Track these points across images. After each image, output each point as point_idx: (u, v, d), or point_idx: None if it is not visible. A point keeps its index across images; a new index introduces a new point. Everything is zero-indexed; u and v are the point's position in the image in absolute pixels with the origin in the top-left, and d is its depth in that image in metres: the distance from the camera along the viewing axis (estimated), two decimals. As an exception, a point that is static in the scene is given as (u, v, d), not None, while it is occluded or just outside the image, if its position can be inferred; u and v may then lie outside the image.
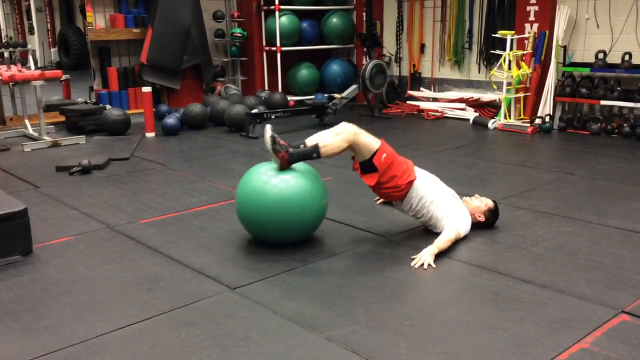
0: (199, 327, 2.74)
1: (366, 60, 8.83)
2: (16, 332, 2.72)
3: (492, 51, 8.09)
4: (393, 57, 9.58)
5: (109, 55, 8.56)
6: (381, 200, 4.42)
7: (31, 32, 16.81)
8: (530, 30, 7.69)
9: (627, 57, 6.91)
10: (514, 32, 7.64)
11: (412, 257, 3.46)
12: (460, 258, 3.50)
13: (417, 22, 9.21)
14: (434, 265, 3.36)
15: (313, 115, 8.02)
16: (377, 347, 2.54)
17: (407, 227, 3.96)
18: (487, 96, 8.37)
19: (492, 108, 8.32)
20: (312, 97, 9.47)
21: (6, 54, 8.21)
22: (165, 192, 4.95)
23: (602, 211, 4.30)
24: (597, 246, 3.65)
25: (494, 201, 3.98)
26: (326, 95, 9.00)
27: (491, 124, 7.63)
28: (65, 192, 4.98)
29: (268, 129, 3.51)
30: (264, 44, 9.62)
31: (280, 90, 9.33)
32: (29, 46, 8.87)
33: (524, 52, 7.66)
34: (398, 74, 9.59)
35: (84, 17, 8.66)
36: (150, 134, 7.36)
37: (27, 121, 7.26)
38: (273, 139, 3.48)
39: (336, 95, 8.19)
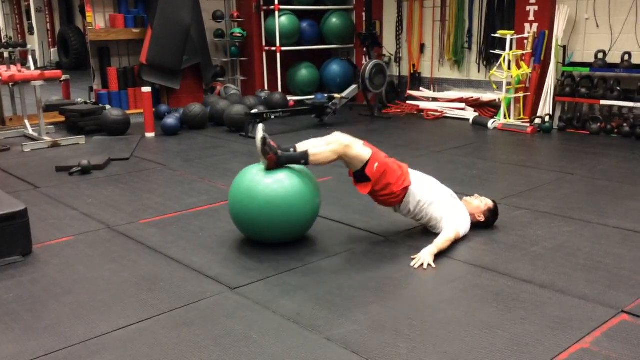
0: (199, 327, 2.74)
1: (366, 60, 8.83)
2: (16, 333, 2.72)
3: (491, 51, 8.09)
4: (393, 57, 9.58)
5: (109, 56, 8.56)
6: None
7: (31, 32, 16.80)
8: (530, 30, 7.69)
9: (626, 57, 6.91)
10: (513, 32, 7.64)
11: (412, 257, 3.46)
12: (460, 258, 3.50)
13: (416, 22, 9.21)
14: (433, 265, 3.36)
15: (313, 115, 8.01)
16: (377, 347, 2.54)
17: (407, 227, 3.96)
18: (486, 96, 8.37)
19: (491, 108, 8.32)
20: (312, 97, 9.48)
21: (6, 54, 8.21)
22: (165, 192, 4.95)
23: (602, 211, 4.30)
24: (597, 246, 3.65)
25: (493, 201, 3.98)
26: (326, 95, 9.00)
27: (491, 123, 7.64)
28: (65, 192, 4.98)
29: (260, 130, 3.51)
30: (264, 44, 9.62)
31: (280, 90, 9.33)
32: (29, 46, 8.87)
33: (524, 52, 7.66)
34: (398, 74, 9.59)
35: (84, 17, 8.66)
36: (150, 134, 7.36)
37: (26, 121, 7.26)
38: (264, 140, 3.49)
39: (336, 95, 8.19)
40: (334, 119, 8.12)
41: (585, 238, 3.79)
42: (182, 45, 8.37)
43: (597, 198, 4.63)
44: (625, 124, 6.95)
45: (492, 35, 7.94)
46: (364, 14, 9.37)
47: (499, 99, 7.83)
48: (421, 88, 9.24)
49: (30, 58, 8.46)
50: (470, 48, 8.71)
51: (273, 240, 3.67)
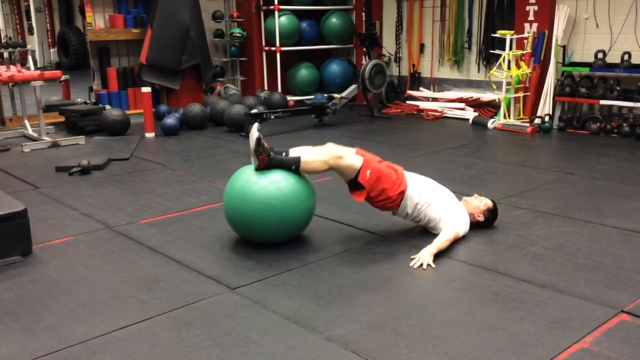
0: (199, 327, 2.74)
1: (365, 60, 8.83)
2: (16, 333, 2.72)
3: (491, 51, 8.09)
4: (392, 57, 9.58)
5: (109, 56, 8.56)
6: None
7: (30, 32, 16.80)
8: (530, 30, 7.69)
9: (626, 57, 6.91)
10: (513, 31, 7.64)
11: (412, 257, 3.46)
12: (459, 258, 3.50)
13: (416, 22, 9.21)
14: (433, 265, 3.36)
15: (312, 115, 8.02)
16: (377, 347, 2.54)
17: (407, 227, 3.96)
18: (486, 96, 8.38)
19: (491, 108, 8.32)
20: (312, 97, 9.49)
21: (6, 55, 8.21)
22: (165, 192, 4.95)
23: (602, 211, 4.30)
24: (596, 246, 3.65)
25: (493, 201, 3.98)
26: (326, 95, 9.01)
27: (491, 123, 7.64)
28: (65, 192, 4.99)
29: (255, 129, 3.52)
30: (264, 44, 9.62)
31: (279, 90, 9.33)
32: (29, 46, 8.88)
33: (524, 52, 7.66)
34: (397, 74, 9.59)
35: (84, 17, 8.66)
36: (149, 134, 7.36)
37: (26, 121, 7.25)
38: (258, 140, 3.50)
39: (336, 95, 8.19)
40: (334, 119, 8.13)
41: (585, 238, 3.79)
42: (181, 45, 8.37)
43: (597, 198, 4.63)
44: (625, 124, 6.95)
45: (492, 35, 7.94)
46: (363, 14, 9.38)
47: (499, 99, 7.83)
48: (421, 88, 9.24)
49: (30, 58, 8.47)
50: (470, 48, 8.71)
51: (268, 241, 3.67)
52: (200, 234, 3.97)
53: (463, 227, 3.73)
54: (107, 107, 7.94)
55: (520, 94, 7.79)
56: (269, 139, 3.92)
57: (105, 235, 3.97)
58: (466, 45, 8.71)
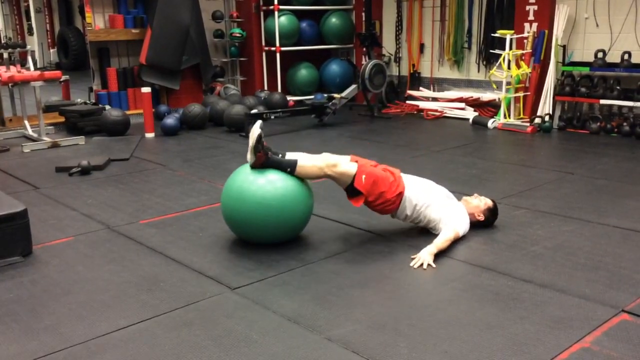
0: (199, 328, 2.74)
1: (365, 60, 8.83)
2: (16, 333, 2.72)
3: (491, 51, 8.09)
4: (392, 57, 9.58)
5: (108, 56, 8.56)
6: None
7: (30, 32, 16.80)
8: (530, 30, 7.69)
9: (626, 56, 6.91)
10: (513, 31, 7.64)
11: (412, 256, 3.46)
12: (460, 257, 3.50)
13: (416, 21, 9.21)
14: (433, 265, 3.36)
15: (312, 115, 8.01)
16: (377, 347, 2.54)
17: (407, 227, 3.96)
18: (486, 96, 8.37)
19: (491, 107, 8.32)
20: (312, 97, 9.48)
21: (5, 55, 8.19)
22: (164, 193, 4.95)
23: (602, 210, 4.30)
24: (597, 245, 3.65)
25: (493, 200, 3.98)
26: (325, 95, 9.00)
27: (491, 123, 7.63)
28: (65, 192, 4.98)
29: (257, 126, 3.53)
30: (263, 44, 9.62)
31: (279, 90, 9.33)
32: (28, 47, 8.85)
33: (524, 52, 7.66)
34: (397, 74, 9.59)
35: (83, 17, 8.66)
36: (149, 135, 7.36)
37: (26, 122, 7.25)
38: (259, 137, 3.51)
39: (335, 95, 8.18)
40: (334, 119, 8.12)
41: (585, 237, 3.79)
42: (181, 45, 8.37)
43: (597, 197, 4.63)
44: (625, 123, 6.95)
45: (492, 34, 7.94)
46: (363, 13, 9.37)
47: (499, 99, 7.83)
48: (421, 88, 9.23)
49: (29, 59, 8.44)
50: (469, 48, 8.71)
51: (266, 241, 3.67)
52: (200, 234, 3.97)
53: (463, 227, 3.73)
54: (107, 107, 7.94)
55: (520, 94, 7.79)
56: (268, 139, 3.92)
57: (105, 236, 3.97)
58: (466, 45, 8.71)
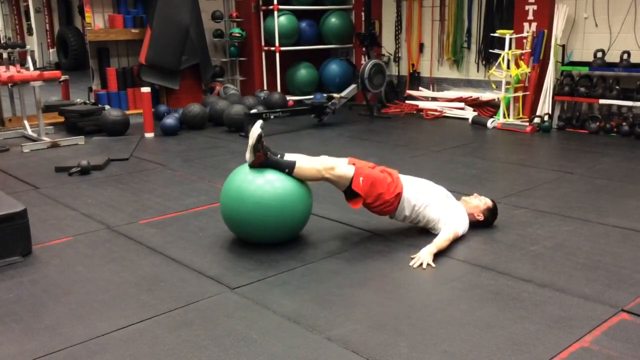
0: (199, 327, 2.74)
1: (365, 60, 8.83)
2: (16, 333, 2.72)
3: (490, 50, 8.09)
4: (392, 57, 9.58)
5: (108, 56, 8.56)
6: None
7: (30, 32, 16.79)
8: (529, 30, 7.69)
9: (625, 56, 6.91)
10: (512, 31, 7.64)
11: (412, 256, 3.46)
12: (459, 257, 3.50)
13: (415, 21, 9.21)
14: (433, 265, 3.36)
15: (312, 115, 8.01)
16: (377, 347, 2.54)
17: (406, 227, 3.96)
18: (486, 95, 8.38)
19: (491, 107, 8.32)
20: (311, 97, 9.49)
21: (5, 55, 8.19)
22: (164, 192, 4.95)
23: (602, 210, 4.30)
24: (596, 245, 3.65)
25: (492, 200, 3.98)
26: (325, 95, 9.01)
27: (490, 123, 7.64)
28: (65, 192, 4.98)
29: (258, 126, 3.53)
30: (263, 44, 9.62)
31: (279, 90, 9.33)
32: (28, 47, 8.84)
33: (523, 51, 7.66)
34: (397, 74, 9.59)
35: (83, 17, 8.66)
36: (149, 135, 7.36)
37: (26, 122, 7.25)
38: (259, 137, 3.51)
39: (335, 95, 8.19)
40: (333, 119, 8.12)
41: (584, 237, 3.79)
42: (181, 45, 8.36)
43: (597, 197, 4.63)
44: (624, 123, 6.95)
45: (491, 34, 7.94)
46: (363, 13, 9.36)
47: (498, 99, 7.83)
48: (420, 88, 9.24)
49: (29, 58, 8.44)
50: (469, 47, 8.71)
51: (265, 241, 3.67)
52: (200, 234, 3.97)
53: (462, 227, 3.73)
54: (107, 107, 7.94)
55: (520, 94, 7.79)
56: (268, 139, 3.92)
57: (105, 236, 3.97)
58: (465, 44, 8.71)
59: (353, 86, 8.47)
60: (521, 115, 7.79)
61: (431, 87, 9.21)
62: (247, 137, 7.19)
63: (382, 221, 4.02)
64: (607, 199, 4.58)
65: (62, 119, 7.83)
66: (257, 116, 7.21)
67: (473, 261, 3.44)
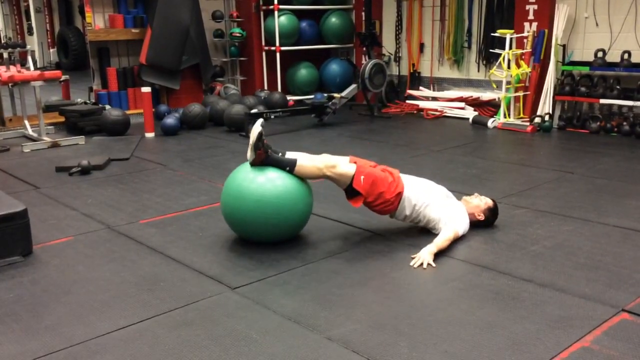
0: (199, 327, 2.74)
1: (365, 60, 8.83)
2: (16, 333, 2.72)
3: (491, 50, 8.09)
4: (392, 57, 9.58)
5: (108, 56, 8.56)
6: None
7: (30, 32, 16.80)
8: (530, 29, 7.69)
9: (626, 56, 6.91)
10: (513, 31, 7.64)
11: (412, 256, 3.46)
12: (460, 257, 3.50)
13: (416, 21, 9.21)
14: (433, 265, 3.36)
15: (312, 114, 8.01)
16: (378, 347, 2.54)
17: (407, 226, 3.96)
18: (486, 95, 8.37)
19: (491, 107, 8.32)
20: (312, 96, 9.48)
21: (5, 55, 8.20)
22: (165, 192, 4.95)
23: (602, 210, 4.30)
24: (597, 245, 3.65)
25: (493, 200, 3.98)
26: (325, 94, 9.00)
27: (491, 123, 7.63)
28: (65, 192, 4.98)
29: (258, 124, 3.54)
30: (263, 43, 9.62)
31: (279, 90, 9.33)
32: (28, 47, 8.86)
33: (523, 51, 7.66)
34: (397, 74, 9.59)
35: (83, 17, 8.65)
36: (149, 134, 7.36)
37: (26, 122, 7.26)
38: (260, 135, 3.51)
39: (335, 95, 8.19)
40: (334, 119, 8.12)
41: (585, 237, 3.79)
42: (181, 45, 8.37)
43: (597, 197, 4.63)
44: (625, 123, 6.95)
45: (492, 34, 7.93)
46: (363, 13, 9.36)
47: (499, 98, 7.83)
48: (421, 87, 9.23)
49: (29, 58, 8.45)
50: (469, 47, 8.71)
51: (266, 240, 3.67)
52: (201, 233, 3.97)
53: (463, 227, 3.73)
54: (107, 107, 7.94)
55: (520, 93, 7.79)
56: (268, 138, 3.91)
57: (105, 236, 3.97)
58: (466, 44, 8.71)
59: (353, 86, 8.47)
60: (522, 115, 7.79)
61: (432, 87, 9.21)
62: (247, 136, 7.18)
63: (383, 221, 4.02)
64: (608, 198, 4.58)
65: (62, 119, 7.83)
66: (258, 116, 7.20)
67: (473, 261, 3.44)
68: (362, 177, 3.58)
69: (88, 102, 8.26)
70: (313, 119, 8.02)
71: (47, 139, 6.95)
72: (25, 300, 3.04)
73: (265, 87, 9.55)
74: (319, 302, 2.96)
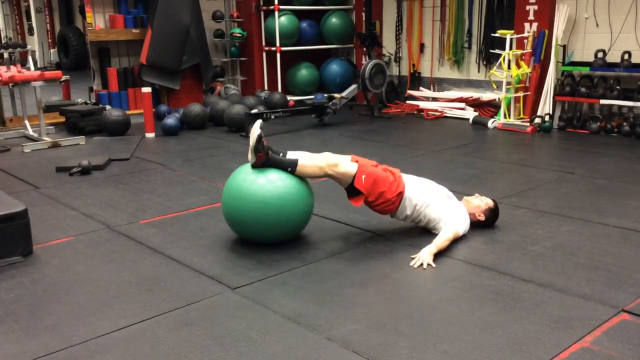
0: (199, 327, 2.74)
1: (366, 60, 8.83)
2: (17, 333, 2.72)
3: (491, 50, 8.09)
4: (392, 57, 9.58)
5: (109, 56, 8.56)
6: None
7: (31, 32, 16.79)
8: (530, 30, 7.69)
9: (626, 56, 6.91)
10: (513, 31, 7.64)
11: (412, 256, 3.46)
12: (460, 257, 3.50)
13: (416, 21, 9.21)
14: (433, 265, 3.36)
15: (313, 115, 8.02)
16: (378, 347, 2.54)
17: (407, 226, 3.96)
18: (486, 95, 8.37)
19: (491, 107, 8.32)
20: (312, 97, 9.48)
21: (6, 55, 8.20)
22: (165, 192, 4.95)
23: (602, 210, 4.30)
24: (597, 245, 3.65)
25: (493, 200, 3.98)
26: (326, 95, 9.00)
27: (491, 123, 7.64)
28: (65, 192, 4.99)
29: (257, 126, 3.53)
30: (264, 44, 9.62)
31: (279, 90, 9.33)
32: (29, 47, 8.85)
33: (524, 52, 7.66)
34: (398, 74, 9.59)
35: (84, 17, 8.65)
36: (150, 135, 7.36)
37: (27, 122, 7.26)
38: (259, 137, 3.51)
39: (336, 95, 8.19)
40: (334, 119, 8.12)
41: (585, 237, 3.79)
42: (181, 45, 8.37)
43: (597, 197, 4.63)
44: (625, 123, 6.95)
45: (492, 34, 7.94)
46: (363, 13, 9.37)
47: (499, 99, 7.83)
48: (421, 88, 9.24)
49: (30, 59, 8.45)
50: (470, 48, 8.71)
51: (267, 240, 3.67)
52: (201, 234, 3.97)
53: (463, 227, 3.73)
54: (108, 107, 7.94)
55: (521, 94, 7.79)
56: (269, 138, 3.93)
57: (105, 236, 3.97)
58: (466, 45, 8.71)
59: (354, 86, 8.47)
60: (522, 116, 7.79)
61: (432, 87, 9.21)
62: (247, 137, 7.19)
63: (383, 221, 4.02)
64: (608, 199, 4.58)
65: (63, 119, 7.83)
66: (258, 116, 7.21)
67: (474, 261, 3.44)
68: (363, 176, 3.58)
69: (88, 102, 8.26)
70: (313, 119, 8.02)
71: (47, 139, 6.95)
72: (25, 300, 3.04)
73: (266, 87, 9.55)
74: (319, 302, 2.96)
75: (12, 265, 3.48)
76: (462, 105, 8.44)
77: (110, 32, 8.35)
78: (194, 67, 8.79)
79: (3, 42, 12.36)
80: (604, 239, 3.75)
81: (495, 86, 7.81)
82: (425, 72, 9.29)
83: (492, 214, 3.93)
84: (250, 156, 3.60)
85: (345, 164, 3.62)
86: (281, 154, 3.65)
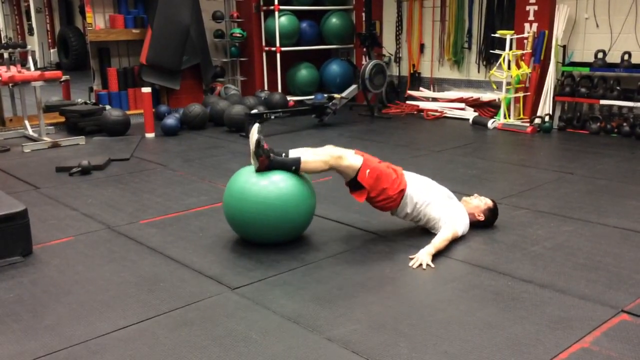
0: (199, 327, 2.74)
1: (366, 60, 8.83)
2: (17, 333, 2.72)
3: (491, 51, 8.09)
4: (392, 57, 9.58)
5: (109, 56, 8.56)
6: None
7: (31, 33, 16.79)
8: (530, 30, 7.69)
9: (626, 57, 6.91)
10: (513, 31, 7.64)
11: (410, 257, 3.46)
12: (460, 258, 3.50)
13: (416, 22, 9.22)
14: (432, 265, 3.36)
15: (313, 115, 8.02)
16: (377, 347, 2.54)
17: (407, 227, 3.97)
18: (486, 96, 8.38)
19: (491, 108, 8.32)
20: (312, 97, 9.49)
21: (6, 55, 8.20)
22: (165, 193, 4.95)
23: (602, 210, 4.30)
24: (597, 245, 3.65)
25: (493, 200, 3.98)
26: (326, 95, 9.00)
27: (491, 123, 7.64)
28: (65, 192, 4.99)
29: (255, 131, 3.52)
30: (264, 44, 9.62)
31: (279, 90, 9.33)
32: (29, 47, 8.85)
33: (524, 52, 7.66)
34: (397, 74, 9.59)
35: (84, 17, 8.66)
36: (150, 135, 7.36)
37: (26, 122, 7.26)
38: (258, 142, 3.50)
39: (336, 96, 8.19)
40: (334, 119, 8.13)
41: (585, 237, 3.79)
42: (181, 45, 8.37)
43: (597, 197, 4.63)
44: (625, 124, 6.95)
45: (492, 35, 7.94)
46: (363, 14, 9.37)
47: (499, 99, 7.83)
48: (421, 88, 9.24)
49: (30, 59, 8.45)
50: (470, 48, 8.71)
51: (268, 241, 3.67)
52: (201, 234, 3.97)
53: (462, 227, 3.73)
54: (108, 107, 7.94)
55: (520, 94, 7.79)
56: (269, 139, 3.92)
57: (105, 236, 3.97)
58: (466, 45, 8.71)
59: (354, 86, 8.48)
60: (522, 116, 7.79)
61: (432, 88, 9.21)
62: (247, 137, 7.19)
63: (383, 221, 4.02)
64: (608, 199, 4.58)
65: (62, 119, 7.83)
66: (258, 116, 7.22)
67: (473, 261, 3.44)
68: (367, 170, 3.59)
69: (88, 102, 8.26)
70: (313, 119, 8.03)
71: (47, 139, 6.95)
72: (25, 300, 3.04)
73: (266, 88, 9.56)
74: (319, 303, 2.96)
75: (12, 265, 3.48)
76: (462, 105, 8.44)
77: (110, 32, 8.35)
78: (194, 67, 8.80)
79: (3, 42, 12.36)
80: (604, 240, 3.75)
81: (495, 86, 7.81)
82: (425, 73, 9.29)
83: (492, 214, 3.93)
84: (252, 162, 3.59)
85: (349, 157, 3.62)
86: (283, 154, 3.64)
